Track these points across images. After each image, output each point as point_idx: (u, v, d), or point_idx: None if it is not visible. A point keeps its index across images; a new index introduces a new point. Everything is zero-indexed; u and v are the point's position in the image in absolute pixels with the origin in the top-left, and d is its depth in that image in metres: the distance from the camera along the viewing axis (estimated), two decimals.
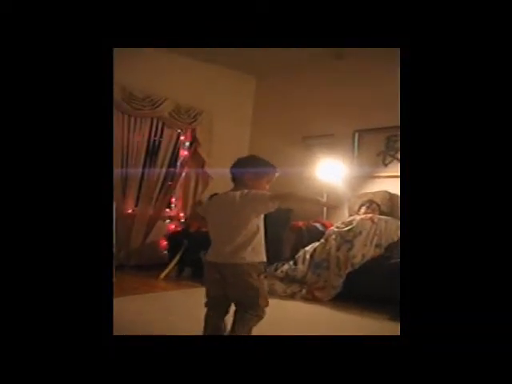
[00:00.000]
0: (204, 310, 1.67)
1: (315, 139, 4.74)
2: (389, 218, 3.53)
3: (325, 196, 4.29)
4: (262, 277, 1.69)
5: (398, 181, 4.07)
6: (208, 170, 4.76)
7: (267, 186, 1.85)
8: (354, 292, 3.17)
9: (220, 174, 4.81)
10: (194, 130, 4.75)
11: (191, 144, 4.79)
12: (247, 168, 1.85)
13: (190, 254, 3.94)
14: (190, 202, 4.75)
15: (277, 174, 1.93)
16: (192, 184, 4.77)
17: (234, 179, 1.88)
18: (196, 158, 4.78)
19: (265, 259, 1.72)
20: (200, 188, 4.80)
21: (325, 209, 4.28)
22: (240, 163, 1.92)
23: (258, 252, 1.67)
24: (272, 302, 3.22)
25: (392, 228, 3.40)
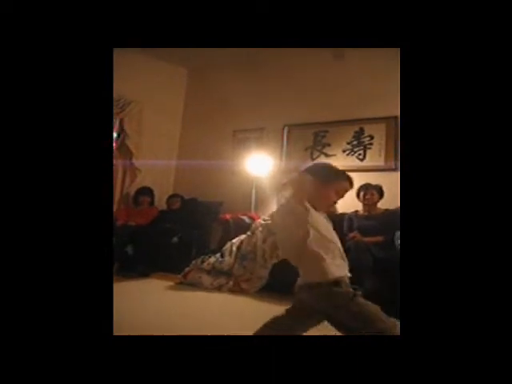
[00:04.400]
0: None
1: (246, 133, 4.76)
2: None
3: (253, 187, 4.33)
4: None
5: None
6: (136, 162, 4.63)
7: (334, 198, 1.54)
8: (280, 283, 3.22)
9: (148, 167, 4.72)
10: (121, 121, 4.59)
11: (118, 135, 4.63)
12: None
13: (116, 248, 3.80)
14: (117, 195, 4.59)
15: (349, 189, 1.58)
16: (119, 176, 4.61)
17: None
18: (123, 150, 4.62)
19: None
20: (127, 181, 4.65)
21: (253, 202, 4.31)
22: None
23: None
24: (199, 294, 3.28)
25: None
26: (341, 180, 1.53)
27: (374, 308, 1.36)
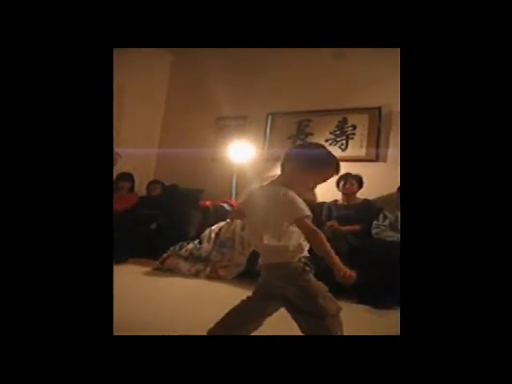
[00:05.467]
0: None
1: (228, 120, 4.72)
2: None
3: (234, 175, 4.30)
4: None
5: None
6: (116, 147, 4.55)
7: (312, 185, 1.54)
8: (258, 270, 3.22)
9: (129, 153, 4.65)
10: None
11: None
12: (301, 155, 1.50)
13: None
14: None
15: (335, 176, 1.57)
16: None
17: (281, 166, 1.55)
18: None
19: None
20: None
21: (233, 189, 4.29)
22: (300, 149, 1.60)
23: None
24: (175, 280, 3.26)
25: None
26: (325, 167, 1.51)
27: (320, 286, 1.40)
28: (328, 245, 1.36)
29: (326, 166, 1.50)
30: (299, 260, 1.41)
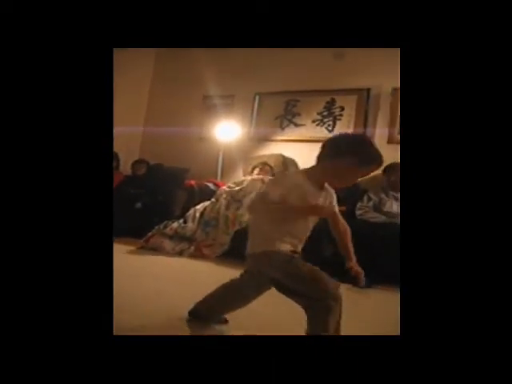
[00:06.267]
0: None
1: (215, 99, 4.66)
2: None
3: (220, 154, 4.27)
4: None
5: (293, 145, 4.23)
6: None
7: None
8: (242, 250, 3.23)
9: (114, 132, 4.58)
10: None
11: None
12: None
13: None
14: None
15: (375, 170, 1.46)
16: None
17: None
18: None
19: None
20: None
21: (219, 169, 4.27)
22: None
23: None
24: (158, 258, 3.26)
25: None
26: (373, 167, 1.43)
27: (312, 268, 1.39)
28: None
29: (375, 166, 1.42)
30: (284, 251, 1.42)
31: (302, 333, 1.37)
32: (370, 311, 2.25)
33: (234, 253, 3.23)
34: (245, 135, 4.35)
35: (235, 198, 3.44)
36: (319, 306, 1.32)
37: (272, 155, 4.02)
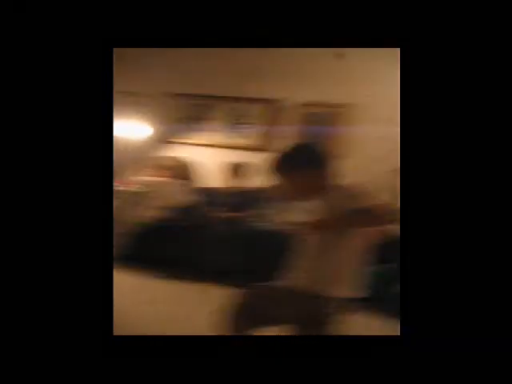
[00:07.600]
0: None
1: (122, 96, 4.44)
2: (175, 181, 3.50)
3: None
4: None
5: (193, 148, 4.14)
6: None
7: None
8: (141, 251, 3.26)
9: None
10: None
11: None
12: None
13: None
14: None
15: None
16: None
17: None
18: None
19: None
20: None
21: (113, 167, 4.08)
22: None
23: None
24: None
25: (176, 191, 3.44)
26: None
27: None
28: None
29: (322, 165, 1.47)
30: None
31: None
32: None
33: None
34: (146, 135, 4.25)
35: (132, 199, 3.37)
36: None
37: (169, 157, 3.83)
